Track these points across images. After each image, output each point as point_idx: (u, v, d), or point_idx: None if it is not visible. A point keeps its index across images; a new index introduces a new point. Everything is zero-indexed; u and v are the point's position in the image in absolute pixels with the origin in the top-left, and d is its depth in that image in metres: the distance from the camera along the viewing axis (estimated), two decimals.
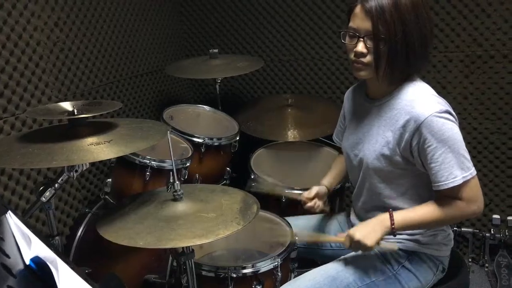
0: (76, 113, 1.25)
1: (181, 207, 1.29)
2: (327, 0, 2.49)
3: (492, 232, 2.37)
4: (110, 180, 1.82)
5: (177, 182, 1.30)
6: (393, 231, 1.30)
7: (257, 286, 1.43)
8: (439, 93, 1.34)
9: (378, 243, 1.30)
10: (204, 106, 2.38)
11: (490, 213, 2.41)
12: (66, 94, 1.98)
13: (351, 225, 1.57)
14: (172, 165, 1.36)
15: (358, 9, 1.28)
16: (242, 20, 2.75)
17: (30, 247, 0.72)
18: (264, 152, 2.30)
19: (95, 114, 1.26)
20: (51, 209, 1.30)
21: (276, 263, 1.44)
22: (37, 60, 1.81)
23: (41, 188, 1.26)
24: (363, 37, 1.28)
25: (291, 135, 2.28)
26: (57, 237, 1.35)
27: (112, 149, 1.18)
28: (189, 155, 1.90)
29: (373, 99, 1.43)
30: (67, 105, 1.34)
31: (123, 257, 1.68)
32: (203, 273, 1.43)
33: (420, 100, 1.29)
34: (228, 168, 2.21)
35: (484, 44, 2.25)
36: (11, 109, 1.70)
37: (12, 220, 0.78)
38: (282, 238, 1.59)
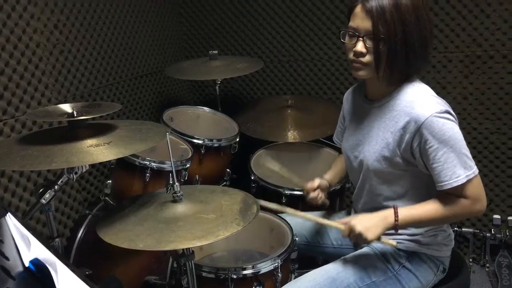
0: (75, 115, 1.25)
1: (181, 208, 1.29)
2: (327, 1, 2.49)
3: (492, 232, 2.37)
4: (110, 181, 1.82)
5: (177, 184, 1.30)
6: (396, 227, 1.30)
7: (257, 287, 1.43)
8: (438, 93, 1.34)
9: (378, 238, 1.30)
10: (204, 108, 2.38)
11: (490, 213, 2.41)
12: (66, 96, 1.98)
13: None
14: (172, 166, 1.35)
15: (358, 8, 1.28)
16: (241, 21, 2.76)
17: (30, 249, 0.72)
18: (264, 153, 2.30)
19: (95, 116, 1.27)
20: (51, 211, 1.30)
21: (276, 264, 1.44)
22: (37, 62, 1.81)
23: (41, 190, 1.27)
24: (362, 37, 1.28)
25: (291, 136, 2.28)
26: (57, 239, 1.36)
27: (112, 151, 1.18)
28: (189, 156, 1.90)
29: (372, 100, 1.43)
30: (66, 107, 1.34)
31: (124, 259, 1.68)
32: (204, 274, 1.43)
33: (419, 101, 1.29)
34: (228, 170, 2.21)
35: (483, 44, 2.24)
36: (11, 111, 1.70)
37: (12, 222, 0.78)
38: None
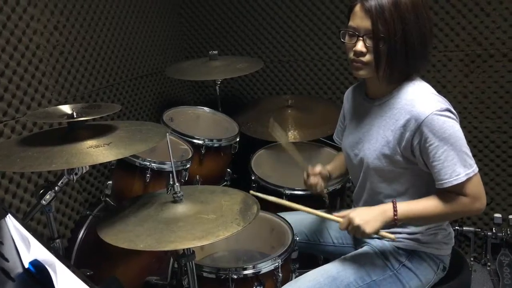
0: (75, 116, 1.25)
1: (181, 209, 1.29)
2: (326, 0, 2.49)
3: (494, 231, 2.37)
4: (110, 182, 1.82)
5: (177, 184, 1.30)
6: (395, 221, 1.30)
7: (258, 287, 1.43)
8: (439, 92, 1.34)
9: (377, 232, 1.30)
10: (204, 108, 2.38)
11: (491, 212, 2.41)
12: (66, 97, 1.98)
13: None
14: (172, 167, 1.35)
15: (358, 8, 1.28)
16: (241, 21, 2.76)
17: (29, 250, 0.72)
18: (264, 153, 2.30)
19: (94, 117, 1.27)
20: (51, 212, 1.30)
21: (277, 264, 1.44)
22: (37, 63, 1.81)
23: (41, 191, 1.27)
24: (362, 36, 1.28)
25: (292, 135, 2.28)
26: (57, 240, 1.36)
27: (111, 151, 1.18)
28: (189, 156, 1.90)
29: (373, 98, 1.43)
30: (66, 108, 1.34)
31: (125, 259, 1.68)
32: (204, 274, 1.43)
33: (420, 99, 1.29)
34: (228, 170, 2.21)
35: (483, 43, 2.24)
36: (11, 112, 1.70)
37: (12, 223, 0.78)
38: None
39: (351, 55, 1.32)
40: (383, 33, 1.24)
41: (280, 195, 1.93)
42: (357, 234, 1.31)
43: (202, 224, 1.20)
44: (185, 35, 2.93)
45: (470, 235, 2.43)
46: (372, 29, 1.25)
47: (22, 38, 1.74)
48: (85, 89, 2.10)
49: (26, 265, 0.70)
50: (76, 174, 1.25)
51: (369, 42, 1.28)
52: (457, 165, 1.24)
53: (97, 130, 1.28)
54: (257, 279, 1.43)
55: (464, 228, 2.43)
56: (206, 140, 2.02)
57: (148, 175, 1.74)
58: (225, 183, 2.20)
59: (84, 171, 1.26)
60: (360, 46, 1.29)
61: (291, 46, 2.67)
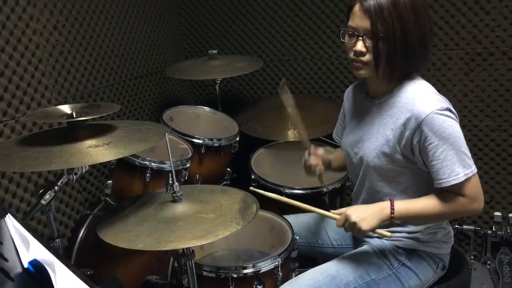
0: (74, 116, 1.25)
1: (180, 208, 1.29)
2: None
3: (493, 229, 2.37)
4: (110, 182, 1.83)
5: (176, 184, 1.30)
6: (391, 220, 1.30)
7: (258, 286, 1.43)
8: (439, 91, 1.34)
9: (373, 230, 1.30)
10: (204, 107, 2.38)
11: (491, 211, 2.41)
12: (66, 97, 1.99)
13: None
14: (171, 166, 1.35)
15: (357, 7, 1.28)
16: (241, 20, 2.76)
17: (29, 250, 0.72)
18: (264, 152, 2.30)
19: (94, 117, 1.27)
20: (51, 211, 1.30)
21: (276, 263, 1.44)
22: (37, 63, 1.81)
23: (41, 191, 1.27)
24: (362, 36, 1.28)
25: (291, 135, 2.28)
26: (57, 240, 1.36)
27: (111, 151, 1.18)
28: (189, 156, 1.90)
29: (373, 97, 1.43)
30: (65, 108, 1.34)
31: (125, 259, 1.69)
32: (204, 273, 1.43)
33: (420, 98, 1.29)
34: (228, 169, 2.21)
35: (483, 41, 2.24)
36: (11, 112, 1.70)
37: (11, 223, 0.78)
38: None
39: (351, 55, 1.32)
40: (383, 32, 1.24)
41: (279, 194, 1.91)
42: (353, 231, 1.31)
43: (201, 224, 1.21)
44: (184, 35, 2.93)
45: (470, 233, 2.44)
46: (371, 29, 1.25)
47: (22, 38, 1.74)
48: (84, 89, 2.11)
49: (26, 265, 0.70)
50: (75, 173, 1.25)
51: (368, 42, 1.27)
52: (456, 165, 1.24)
53: (97, 130, 1.29)
54: (257, 278, 1.43)
55: (464, 226, 2.43)
56: (206, 139, 2.02)
57: (148, 175, 1.74)
58: (225, 182, 2.20)
59: (84, 170, 1.27)
60: (359, 46, 1.29)
61: (290, 45, 2.67)
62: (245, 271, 1.43)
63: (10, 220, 0.78)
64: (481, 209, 1.29)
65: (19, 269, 0.69)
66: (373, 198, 1.44)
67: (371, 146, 1.38)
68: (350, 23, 1.31)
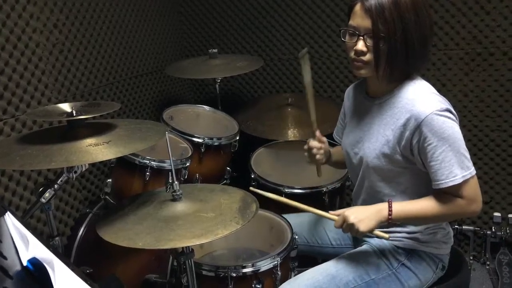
0: (74, 115, 1.25)
1: (180, 207, 1.29)
2: None
3: (493, 230, 2.37)
4: (110, 180, 1.82)
5: (176, 182, 1.30)
6: (389, 221, 1.30)
7: (257, 285, 1.43)
8: (439, 91, 1.34)
9: (371, 231, 1.30)
10: (204, 106, 2.38)
11: (491, 211, 2.41)
12: (66, 95, 1.98)
13: None
14: (171, 165, 1.36)
15: (358, 7, 1.28)
16: (241, 19, 2.75)
17: (28, 248, 0.72)
18: (264, 151, 2.30)
19: (94, 116, 1.27)
20: (51, 209, 1.30)
21: (276, 262, 1.45)
22: (37, 61, 1.81)
23: (41, 189, 1.27)
24: (363, 36, 1.28)
25: (291, 134, 2.28)
26: (57, 238, 1.36)
27: (111, 150, 1.18)
28: (189, 155, 1.90)
29: (374, 97, 1.43)
30: (65, 107, 1.34)
31: (124, 257, 1.69)
32: (203, 272, 1.43)
33: (420, 99, 1.29)
34: (228, 168, 2.21)
35: (483, 41, 2.24)
36: (11, 110, 1.70)
37: (11, 221, 0.78)
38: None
39: (352, 54, 1.32)
40: (383, 32, 1.24)
41: (279, 193, 1.93)
42: (351, 232, 1.31)
43: (201, 223, 1.21)
44: (185, 34, 2.93)
45: (470, 234, 2.44)
46: (372, 28, 1.25)
47: (22, 36, 1.74)
48: (84, 88, 2.11)
49: (25, 263, 0.71)
50: (75, 172, 1.25)
51: (369, 42, 1.27)
52: (454, 166, 1.24)
53: (97, 129, 1.29)
54: (256, 277, 1.44)
55: (463, 227, 2.43)
56: (206, 138, 2.02)
57: (147, 174, 1.74)
58: (225, 181, 2.20)
59: (84, 169, 1.27)
60: (360, 45, 1.29)
61: (291, 44, 2.67)
62: (244, 270, 1.43)
63: (9, 218, 0.79)
64: (479, 211, 1.28)
65: (18, 267, 0.70)
66: (372, 198, 1.44)
67: (371, 147, 1.38)
68: (351, 22, 1.31)
